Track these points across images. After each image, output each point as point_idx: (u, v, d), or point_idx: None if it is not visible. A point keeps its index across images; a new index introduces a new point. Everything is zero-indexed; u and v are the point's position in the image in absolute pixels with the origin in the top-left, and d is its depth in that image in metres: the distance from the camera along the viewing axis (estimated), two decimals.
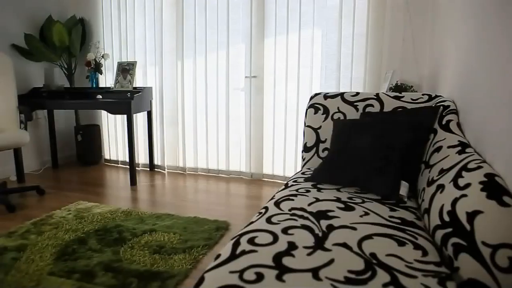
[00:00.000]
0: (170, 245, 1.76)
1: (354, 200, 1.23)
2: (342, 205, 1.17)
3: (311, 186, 1.39)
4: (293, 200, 1.23)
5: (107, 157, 3.51)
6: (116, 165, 3.46)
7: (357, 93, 1.80)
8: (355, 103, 1.77)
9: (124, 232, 1.89)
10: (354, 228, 1.00)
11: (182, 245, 1.76)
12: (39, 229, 1.93)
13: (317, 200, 1.22)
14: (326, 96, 1.83)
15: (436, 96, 1.68)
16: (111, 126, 3.42)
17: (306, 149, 1.83)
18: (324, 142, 1.79)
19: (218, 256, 0.89)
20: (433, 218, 1.04)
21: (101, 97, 2.98)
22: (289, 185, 1.43)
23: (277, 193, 1.37)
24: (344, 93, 1.82)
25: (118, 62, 2.96)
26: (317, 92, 1.90)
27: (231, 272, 0.79)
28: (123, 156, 3.42)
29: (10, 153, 2.92)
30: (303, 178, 1.51)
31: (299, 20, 2.62)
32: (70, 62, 3.24)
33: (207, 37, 2.92)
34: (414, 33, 2.41)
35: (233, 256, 0.86)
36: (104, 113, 3.44)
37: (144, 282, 1.44)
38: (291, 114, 2.78)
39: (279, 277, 0.76)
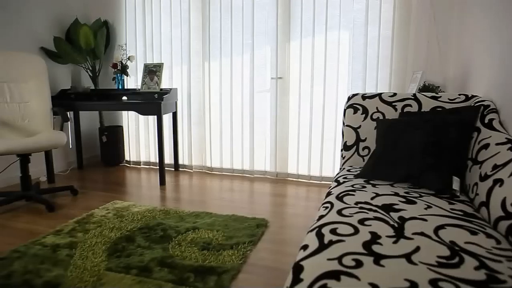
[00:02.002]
0: (216, 241, 1.81)
1: (412, 194, 1.29)
2: (403, 199, 1.23)
3: (363, 182, 1.45)
4: (353, 195, 1.29)
5: (128, 158, 3.56)
6: (138, 166, 3.51)
7: (395, 94, 1.87)
8: (393, 103, 1.84)
9: (168, 230, 1.94)
10: (425, 219, 1.06)
11: (228, 241, 1.81)
12: (84, 228, 1.98)
13: (377, 194, 1.28)
14: (364, 97, 1.90)
15: (473, 96, 1.76)
16: (134, 127, 3.47)
17: (346, 147, 1.89)
18: (364, 141, 1.85)
19: (306, 246, 0.95)
20: (493, 211, 1.11)
21: (126, 98, 3.03)
22: (340, 181, 1.50)
23: (332, 189, 1.43)
24: (381, 93, 1.88)
25: (144, 64, 3.01)
26: (354, 93, 1.97)
27: (329, 259, 0.85)
28: (146, 157, 3.46)
29: (40, 154, 2.96)
30: (352, 175, 1.57)
31: (326, 23, 2.69)
32: (95, 64, 3.29)
33: (232, 38, 2.99)
34: (439, 34, 2.49)
35: (323, 246, 0.92)
36: (126, 114, 3.49)
37: (200, 276, 1.50)
38: (316, 114, 2.85)
39: (376, 262, 0.82)
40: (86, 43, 3.08)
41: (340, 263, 0.83)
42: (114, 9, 3.34)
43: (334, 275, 0.79)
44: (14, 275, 1.50)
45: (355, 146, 1.87)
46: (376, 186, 1.39)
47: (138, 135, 3.46)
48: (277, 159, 3.02)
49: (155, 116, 3.31)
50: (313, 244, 0.94)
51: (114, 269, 1.55)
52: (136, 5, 3.24)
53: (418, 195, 1.28)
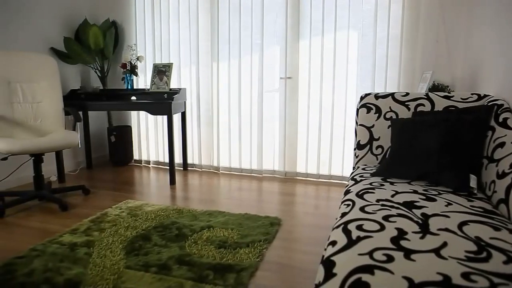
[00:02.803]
0: (231, 240, 1.83)
1: (430, 192, 1.31)
2: (423, 197, 1.25)
3: (381, 180, 1.47)
4: (373, 193, 1.31)
5: (136, 157, 3.58)
6: (147, 165, 3.53)
7: (407, 93, 1.89)
8: (406, 103, 1.86)
9: (183, 228, 1.96)
10: (447, 216, 1.08)
11: (243, 240, 1.83)
12: (99, 227, 1.99)
13: (397, 192, 1.30)
14: (377, 96, 1.92)
15: (485, 96, 1.78)
16: (143, 127, 3.49)
17: (359, 146, 1.92)
18: (377, 140, 1.87)
19: (334, 242, 0.97)
20: None
21: (135, 98, 3.04)
22: (358, 180, 1.52)
23: (350, 187, 1.45)
24: (394, 93, 1.91)
25: (153, 64, 3.03)
26: (366, 92, 2.00)
27: (360, 254, 0.87)
28: (155, 156, 3.48)
29: (50, 154, 2.97)
30: (369, 174, 1.59)
31: (335, 23, 2.71)
32: (103, 64, 3.31)
33: (241, 39, 3.01)
34: (447, 34, 2.52)
35: (352, 242, 0.94)
36: (134, 114, 3.51)
37: (220, 274, 1.51)
38: (325, 114, 2.87)
39: (407, 257, 0.84)
40: (95, 44, 3.10)
41: (372, 257, 0.85)
42: (122, 10, 3.36)
43: (367, 269, 0.81)
44: (35, 273, 1.52)
45: (369, 145, 1.89)
46: (394, 184, 1.41)
47: (147, 135, 3.48)
48: (285, 158, 3.04)
49: (164, 116, 3.34)
50: (342, 240, 0.96)
51: (133, 267, 1.56)
52: (145, 6, 3.26)
53: (437, 193, 1.30)
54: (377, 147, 1.87)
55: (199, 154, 3.33)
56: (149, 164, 3.53)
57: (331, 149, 2.89)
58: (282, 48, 2.89)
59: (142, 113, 3.48)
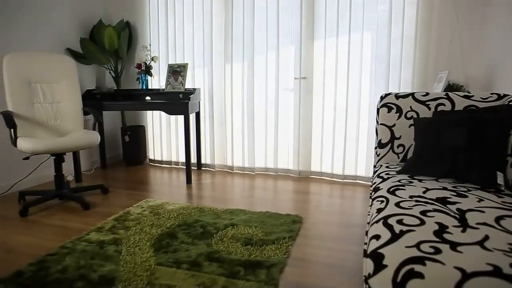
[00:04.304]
0: (256, 237, 1.86)
1: (460, 189, 1.35)
2: (453, 193, 1.29)
3: (408, 178, 1.51)
4: (404, 189, 1.35)
5: (150, 157, 3.61)
6: (160, 165, 3.56)
7: (427, 93, 1.93)
8: (426, 102, 1.90)
9: (207, 226, 1.99)
10: (482, 211, 1.12)
11: (268, 237, 1.86)
12: (124, 225, 2.02)
13: (427, 189, 1.34)
14: (398, 96, 1.96)
15: (505, 95, 1.82)
16: (156, 127, 3.52)
17: (380, 145, 1.95)
18: (398, 138, 1.91)
19: (378, 236, 1.00)
20: None
21: (149, 98, 3.07)
22: (385, 177, 1.55)
23: (378, 184, 1.49)
24: (414, 93, 1.95)
25: (168, 64, 3.06)
26: (387, 92, 2.03)
27: (407, 247, 0.90)
28: (168, 156, 3.51)
29: (68, 154, 3.00)
30: (394, 172, 1.63)
31: (349, 24, 2.75)
32: (117, 64, 3.34)
33: (255, 39, 3.04)
34: (461, 34, 2.56)
35: (396, 235, 0.97)
36: (148, 114, 3.54)
37: (250, 270, 1.55)
38: (340, 113, 2.91)
39: (453, 249, 0.88)
40: (110, 44, 3.13)
41: (419, 249, 0.88)
42: (136, 11, 3.39)
43: (418, 260, 0.84)
44: (69, 270, 1.55)
45: (390, 144, 1.93)
46: (422, 181, 1.45)
47: (161, 134, 3.51)
48: (299, 157, 3.08)
49: (177, 116, 3.37)
50: (385, 234, 1.00)
51: (164, 264, 1.59)
52: (159, 7, 3.29)
53: (466, 190, 1.34)
54: (398, 146, 1.91)
55: (212, 153, 3.37)
56: (162, 164, 3.56)
57: (345, 148, 2.93)
58: (297, 48, 2.93)
59: (156, 113, 3.51)
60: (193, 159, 3.39)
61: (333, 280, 1.51)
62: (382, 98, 1.99)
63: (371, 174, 2.90)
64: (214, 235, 1.88)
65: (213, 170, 3.36)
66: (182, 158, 3.48)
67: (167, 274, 1.52)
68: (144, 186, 2.86)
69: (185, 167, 3.41)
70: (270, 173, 3.22)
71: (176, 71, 3.03)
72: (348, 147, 2.93)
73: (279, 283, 1.47)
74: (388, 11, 2.65)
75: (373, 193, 1.46)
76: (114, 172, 3.25)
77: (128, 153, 3.47)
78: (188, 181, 2.88)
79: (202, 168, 3.40)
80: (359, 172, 2.93)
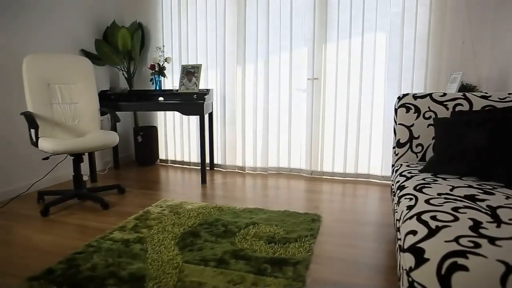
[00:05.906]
0: (279, 235, 1.89)
1: (485, 186, 1.38)
2: (480, 191, 1.32)
3: (432, 176, 1.54)
4: (431, 187, 1.38)
5: (163, 157, 3.64)
6: (172, 165, 3.59)
7: (444, 94, 1.97)
8: (444, 103, 1.94)
9: (228, 225, 2.02)
10: (511, 208, 1.15)
11: (290, 235, 1.90)
12: (146, 224, 2.05)
13: (453, 187, 1.37)
14: (415, 96, 1.99)
15: None
16: (169, 127, 3.56)
17: (399, 145, 1.99)
18: (417, 138, 1.95)
19: (415, 232, 1.03)
20: None
21: (162, 99, 3.10)
22: (408, 176, 1.59)
23: (403, 182, 1.52)
24: (432, 93, 1.98)
25: (182, 65, 3.09)
26: (405, 93, 2.07)
27: (446, 241, 0.93)
28: (181, 156, 3.55)
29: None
30: (416, 170, 1.66)
31: (362, 25, 2.79)
32: (129, 65, 3.37)
33: (269, 40, 3.07)
34: (473, 35, 2.60)
35: (433, 230, 1.00)
36: (160, 115, 3.57)
37: (277, 267, 1.58)
38: (352, 114, 2.94)
39: (492, 243, 0.91)
40: (124, 45, 3.16)
41: (459, 244, 0.92)
42: (149, 12, 3.42)
43: (460, 254, 0.87)
44: (98, 268, 1.57)
45: (408, 144, 1.96)
46: (446, 179, 1.49)
47: (174, 135, 3.54)
48: (312, 157, 3.11)
49: (190, 117, 3.40)
50: (421, 229, 1.03)
51: (191, 262, 1.62)
52: (172, 8, 3.33)
53: (491, 187, 1.38)
54: (417, 145, 1.95)
55: (223, 154, 3.40)
56: (175, 164, 3.59)
57: (358, 148, 2.96)
58: (310, 49, 2.97)
59: (168, 114, 3.54)
60: (206, 160, 3.43)
61: (358, 277, 1.54)
62: (399, 98, 2.02)
63: (385, 173, 2.94)
64: (237, 234, 1.91)
65: (224, 170, 3.39)
66: (194, 159, 3.51)
67: (196, 272, 1.54)
68: (159, 186, 2.88)
69: (197, 167, 3.46)
70: (282, 172, 3.26)
71: (190, 72, 3.06)
72: (361, 147, 2.96)
73: (306, 280, 1.50)
74: (401, 12, 2.69)
75: (398, 191, 1.49)
76: (128, 172, 3.28)
77: (141, 153, 3.50)
78: (203, 181, 2.91)
79: (214, 169, 3.43)
80: (372, 171, 2.97)
